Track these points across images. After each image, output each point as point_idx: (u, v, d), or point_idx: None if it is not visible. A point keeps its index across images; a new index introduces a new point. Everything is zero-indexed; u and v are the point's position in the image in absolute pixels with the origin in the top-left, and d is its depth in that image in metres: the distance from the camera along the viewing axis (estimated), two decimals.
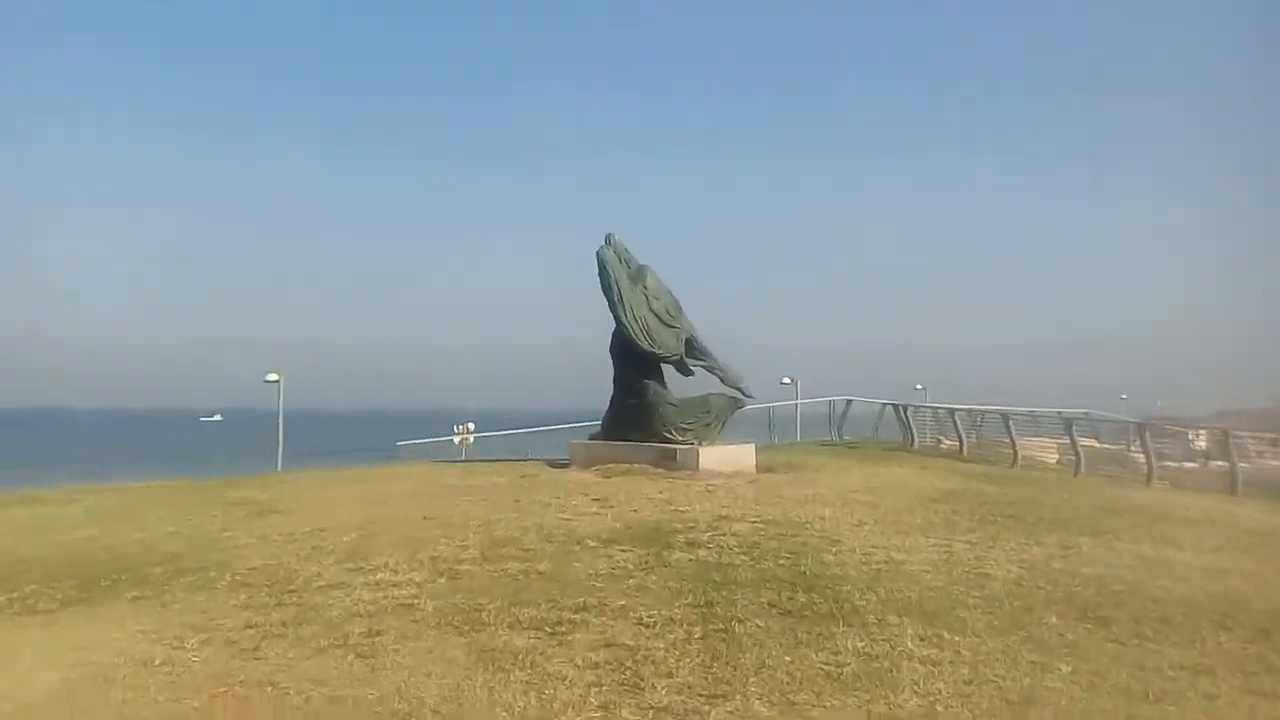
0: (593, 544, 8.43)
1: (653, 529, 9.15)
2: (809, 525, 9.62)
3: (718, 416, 15.71)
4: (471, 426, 42.47)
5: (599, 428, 17.40)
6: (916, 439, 24.73)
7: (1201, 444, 32.81)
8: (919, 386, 46.67)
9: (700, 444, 15.40)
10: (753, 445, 15.99)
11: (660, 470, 14.95)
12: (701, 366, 16.24)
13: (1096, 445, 26.88)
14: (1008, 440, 24.58)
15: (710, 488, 12.84)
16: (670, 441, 15.51)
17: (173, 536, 9.72)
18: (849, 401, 28.89)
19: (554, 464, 17.06)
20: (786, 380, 35.99)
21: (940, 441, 25.11)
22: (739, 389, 16.46)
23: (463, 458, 30.47)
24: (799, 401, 32.91)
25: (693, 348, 16.20)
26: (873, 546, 8.51)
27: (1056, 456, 24.78)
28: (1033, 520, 10.82)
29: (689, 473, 14.60)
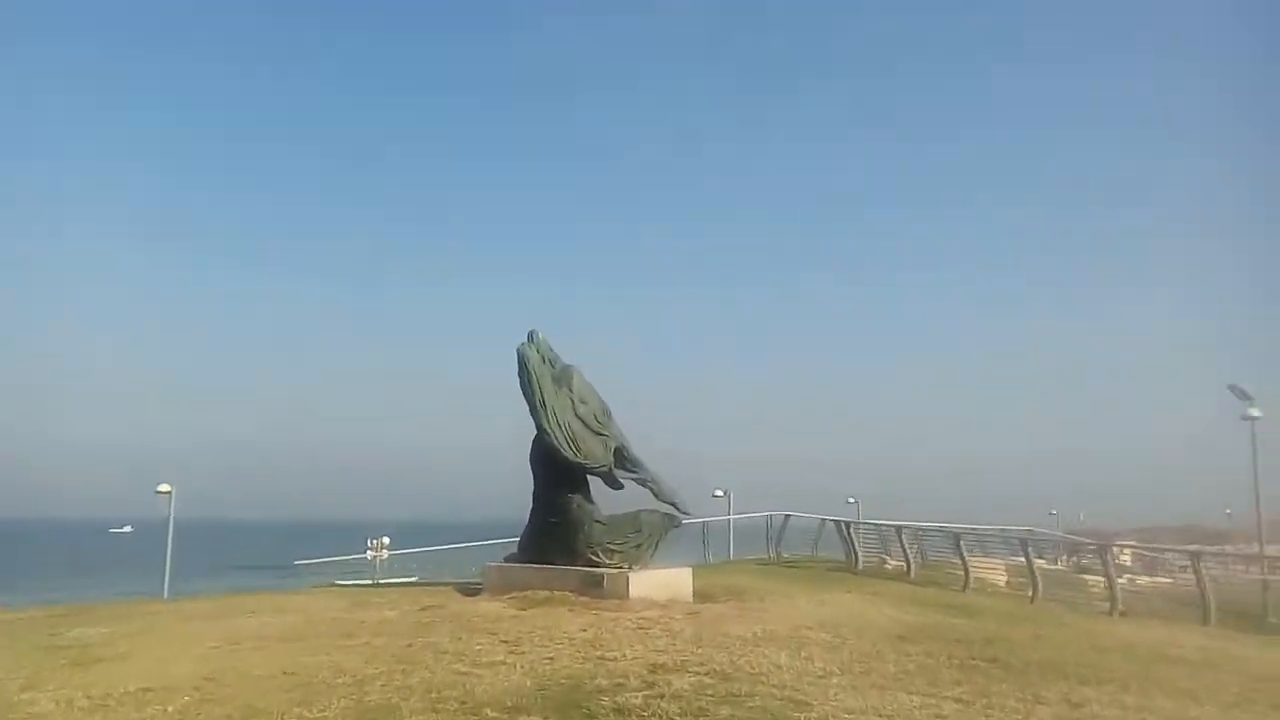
0: (492, 714, 6.50)
1: (571, 688, 7.24)
2: (765, 678, 7.81)
3: (650, 536, 13.91)
4: (386, 541, 39.64)
5: (516, 547, 15.46)
6: (861, 558, 23.16)
7: (1126, 560, 32.06)
8: (851, 500, 45.37)
9: (630, 568, 13.55)
10: (689, 569, 14.18)
11: (585, 598, 13.05)
12: (632, 479, 14.52)
13: (1044, 566, 25.69)
14: (954, 559, 23.33)
15: (643, 622, 10.97)
16: (597, 564, 13.64)
17: None
18: (787, 517, 27.35)
19: (466, 589, 15.00)
20: (719, 493, 34.37)
21: (885, 561, 23.59)
22: (674, 504, 14.75)
23: (369, 580, 27.91)
24: (732, 516, 31.24)
25: (623, 458, 14.52)
26: (849, 712, 6.75)
27: (1005, 578, 23.46)
28: (1020, 666, 9.19)
29: (617, 601, 12.72)
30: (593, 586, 13.23)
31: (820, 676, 8.01)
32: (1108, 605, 19.38)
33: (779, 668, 8.31)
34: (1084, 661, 9.72)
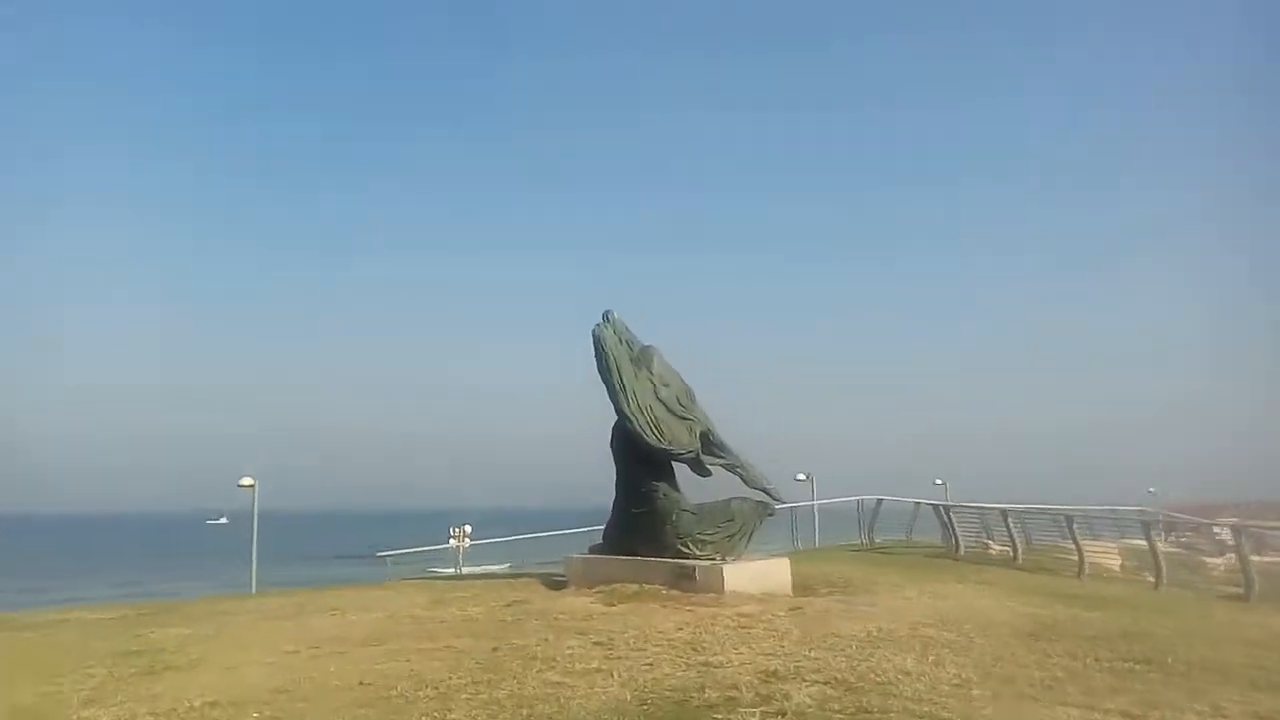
0: None
1: (677, 702, 6.42)
2: (894, 688, 6.89)
3: (743, 526, 13.00)
4: (468, 530, 39.53)
5: (600, 538, 14.72)
6: (962, 543, 21.88)
7: (1226, 537, 29.90)
8: (939, 480, 43.70)
9: (724, 559, 12.69)
10: (786, 559, 13.24)
11: (676, 593, 12.24)
12: (721, 465, 13.61)
13: (1162, 548, 24.04)
14: (1061, 543, 21.93)
15: (743, 620, 10.12)
16: (687, 556, 12.80)
17: (14, 715, 7.02)
18: (879, 501, 26.10)
19: (550, 582, 14.34)
20: (801, 477, 33.24)
21: (988, 546, 22.26)
22: (766, 491, 13.80)
23: (453, 570, 27.62)
24: (817, 501, 30.09)
25: (709, 443, 13.62)
26: None
27: (1120, 562, 21.95)
28: (1179, 669, 8.07)
29: (712, 596, 11.88)
30: (684, 580, 12.41)
31: (957, 686, 7.04)
32: (1233, 589, 17.96)
33: (907, 674, 7.37)
34: (1250, 662, 8.53)
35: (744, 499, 13.30)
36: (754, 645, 8.64)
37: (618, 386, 12.99)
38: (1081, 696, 6.87)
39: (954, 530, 22.13)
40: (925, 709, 6.25)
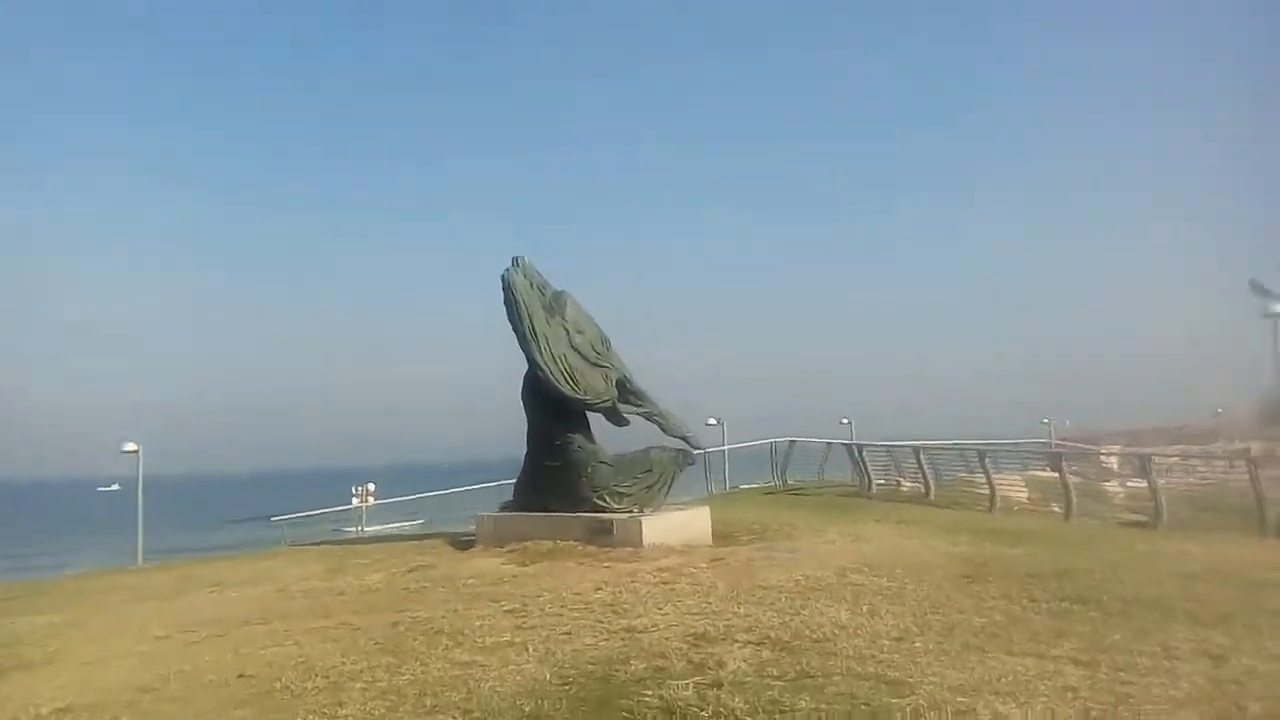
0: None
1: (602, 679, 5.76)
2: (831, 644, 6.38)
3: (662, 475, 12.45)
4: (372, 489, 38.12)
5: (512, 494, 13.98)
6: (873, 482, 21.89)
7: (1113, 465, 30.99)
8: (844, 420, 44.14)
9: (642, 511, 12.12)
10: (705, 508, 12.75)
11: (593, 548, 11.65)
12: (638, 413, 13.01)
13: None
14: (969, 478, 22.18)
15: (665, 575, 9.57)
16: (604, 510, 12.19)
17: None
18: (792, 443, 25.98)
19: (458, 542, 13.57)
20: (712, 421, 32.99)
21: (899, 484, 22.34)
22: (684, 438, 13.28)
23: (354, 530, 26.54)
24: (728, 446, 29.86)
25: (626, 391, 12.99)
26: (956, 690, 5.31)
27: (1027, 494, 22.32)
28: (1117, 607, 7.79)
29: (630, 550, 11.33)
30: (601, 535, 11.81)
31: (898, 639, 6.57)
32: (1137, 517, 18.40)
33: (843, 629, 6.88)
34: (1187, 595, 8.32)
35: (662, 447, 12.74)
36: (678, 603, 8.06)
37: (529, 334, 12.19)
38: (1028, 643, 6.47)
39: (866, 469, 22.13)
40: (870, 668, 5.74)
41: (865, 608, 7.68)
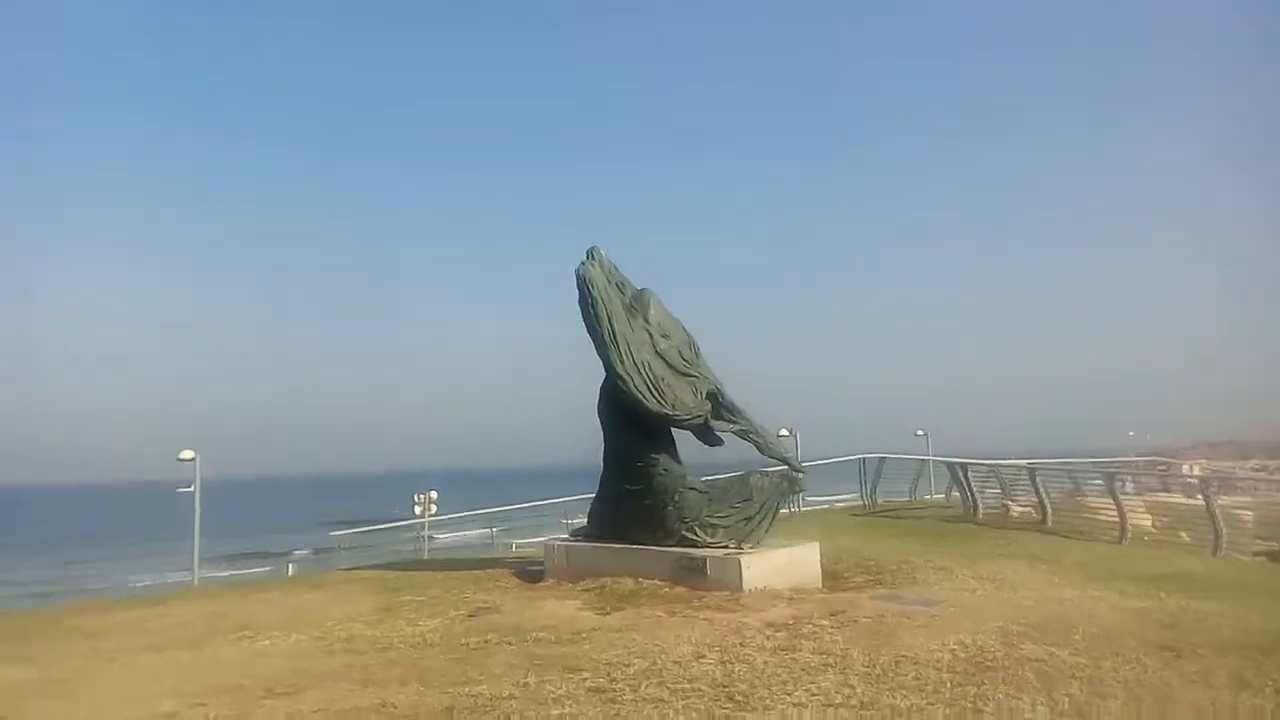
0: None
1: None
2: None
3: (764, 506, 10.60)
4: (434, 496, 36.82)
5: (586, 519, 12.31)
6: (980, 506, 19.73)
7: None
8: (919, 432, 41.59)
9: (740, 547, 10.33)
10: (815, 544, 10.86)
11: (682, 589, 9.89)
12: (733, 431, 11.19)
13: (1184, 502, 22.09)
14: (1072, 499, 20.01)
15: (778, 636, 7.77)
16: (695, 544, 10.44)
17: None
18: (883, 459, 23.90)
19: (525, 573, 11.96)
20: (785, 432, 31.00)
21: (1008, 508, 20.12)
22: (786, 462, 11.43)
23: (414, 549, 25.15)
24: (817, 461, 27.79)
25: (719, 405, 11.19)
26: None
27: (1150, 519, 19.93)
28: None
29: (728, 594, 9.53)
30: (692, 574, 10.05)
31: None
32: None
33: None
34: None
35: (764, 472, 10.91)
36: (810, 685, 6.25)
37: (608, 339, 10.50)
38: None
39: (971, 491, 19.97)
40: None
41: (1065, 700, 5.78)
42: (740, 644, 7.48)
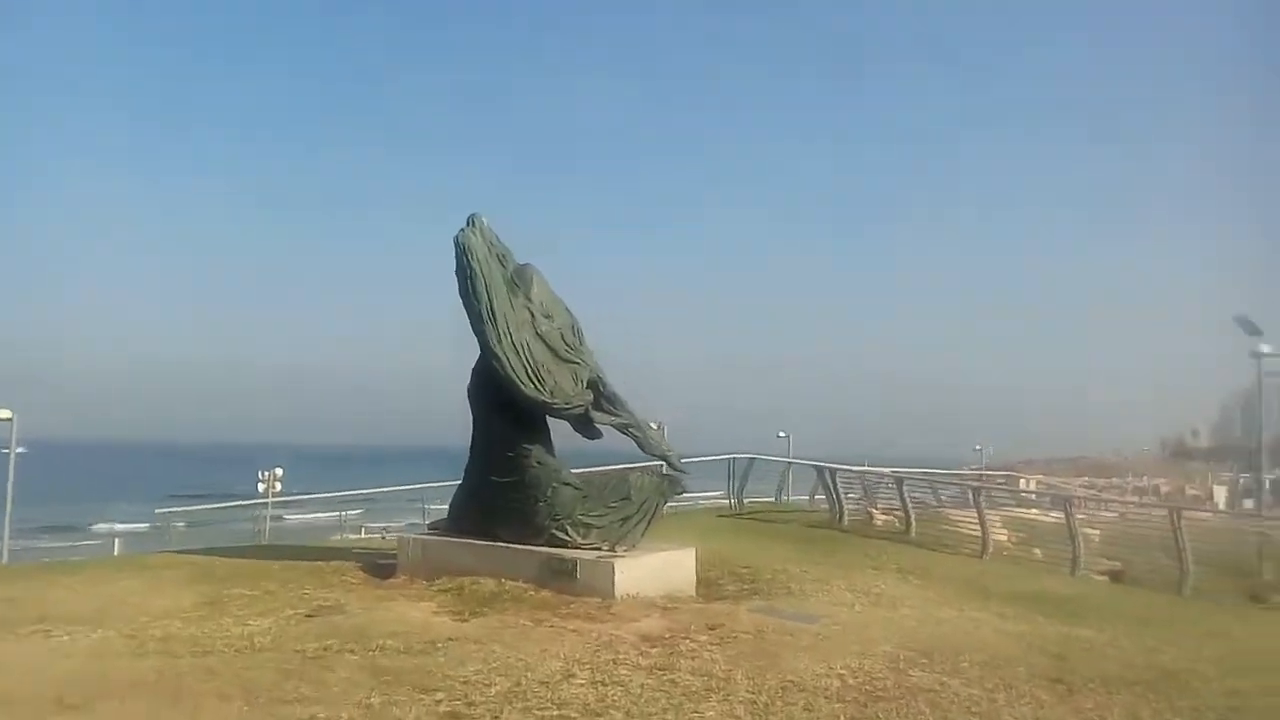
0: None
1: None
2: None
3: (643, 506, 9.93)
4: (279, 473, 34.69)
5: (446, 512, 11.39)
6: (846, 512, 19.74)
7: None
8: (781, 434, 42.00)
9: (615, 549, 9.65)
10: (692, 550, 10.29)
11: (548, 594, 9.14)
12: (613, 424, 10.50)
13: (1039, 519, 22.83)
14: (937, 512, 20.38)
15: (653, 652, 7.13)
16: (565, 544, 9.70)
17: None
18: (751, 460, 23.73)
19: (375, 567, 10.96)
20: (653, 425, 30.62)
21: (871, 515, 20.23)
22: (666, 459, 10.82)
23: (253, 530, 23.43)
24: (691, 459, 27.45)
25: (600, 395, 10.47)
26: None
27: (1006, 534, 20.43)
28: None
29: (598, 602, 8.83)
30: (561, 577, 9.30)
31: None
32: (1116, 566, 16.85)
33: None
34: None
35: (645, 471, 10.28)
36: (691, 712, 5.63)
37: (485, 314, 9.62)
38: None
39: (838, 497, 19.96)
40: None
41: None
42: (613, 661, 6.79)
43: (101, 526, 38.75)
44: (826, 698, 6.05)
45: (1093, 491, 33.78)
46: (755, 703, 5.89)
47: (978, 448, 66.85)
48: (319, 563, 11.29)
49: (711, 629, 7.94)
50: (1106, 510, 25.24)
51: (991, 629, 8.63)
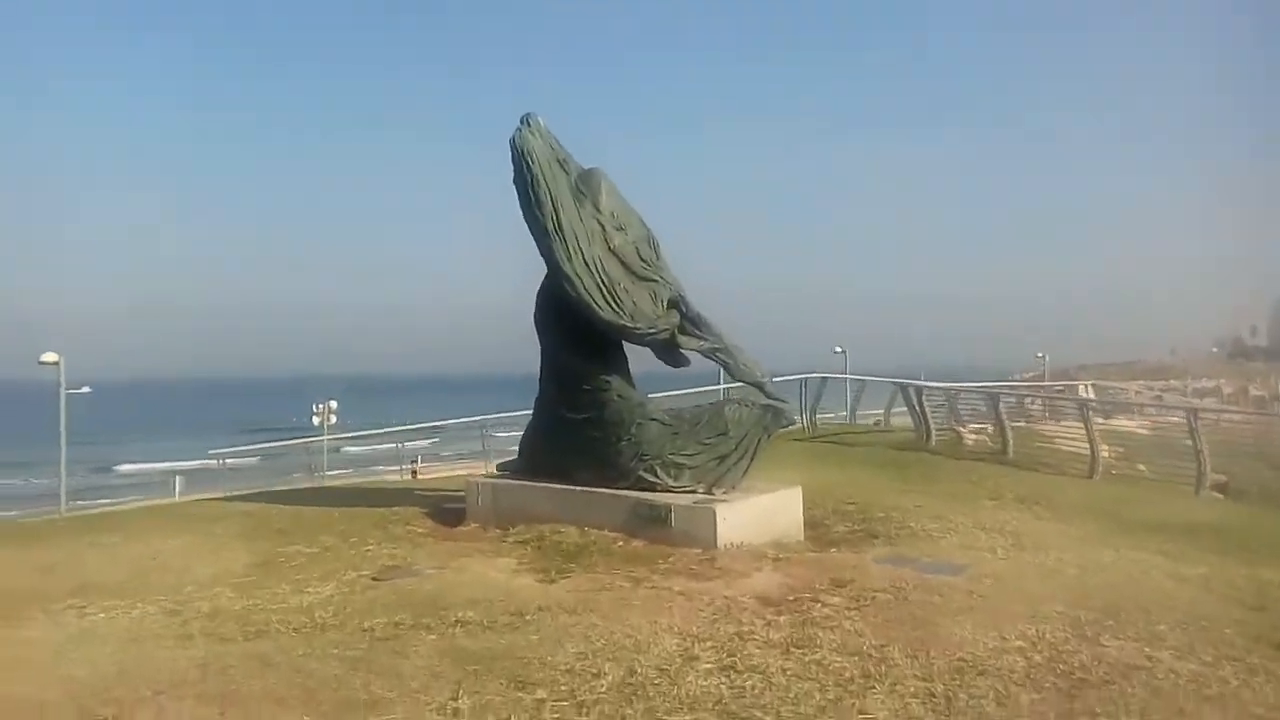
0: None
1: None
2: None
3: (742, 443, 8.68)
4: (334, 405, 34.09)
5: (517, 453, 10.33)
6: (934, 432, 18.45)
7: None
8: (838, 349, 40.48)
9: (712, 491, 8.49)
10: (799, 489, 9.06)
11: (641, 545, 8.04)
12: (700, 350, 9.22)
13: (1137, 431, 21.32)
14: (1025, 428, 19.03)
15: (781, 620, 5.99)
16: (652, 487, 8.55)
17: None
18: (824, 380, 22.44)
19: (442, 513, 9.98)
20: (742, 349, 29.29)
21: (960, 434, 18.90)
22: (761, 387, 9.49)
23: (309, 469, 22.82)
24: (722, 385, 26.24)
25: (684, 317, 9.15)
26: None
27: (1107, 450, 19.00)
28: None
29: (699, 553, 7.71)
30: (653, 525, 8.18)
31: None
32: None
33: None
34: None
35: (742, 403, 9.00)
36: (858, 712, 4.48)
37: (551, 228, 8.33)
38: None
39: (926, 418, 18.64)
40: None
41: None
42: (738, 636, 5.65)
43: (162, 465, 38.78)
44: (1017, 683, 4.86)
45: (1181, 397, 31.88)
46: (931, 693, 4.71)
47: (1039, 354, 64.49)
48: (381, 509, 10.34)
49: (840, 586, 6.77)
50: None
51: (1164, 574, 7.35)
